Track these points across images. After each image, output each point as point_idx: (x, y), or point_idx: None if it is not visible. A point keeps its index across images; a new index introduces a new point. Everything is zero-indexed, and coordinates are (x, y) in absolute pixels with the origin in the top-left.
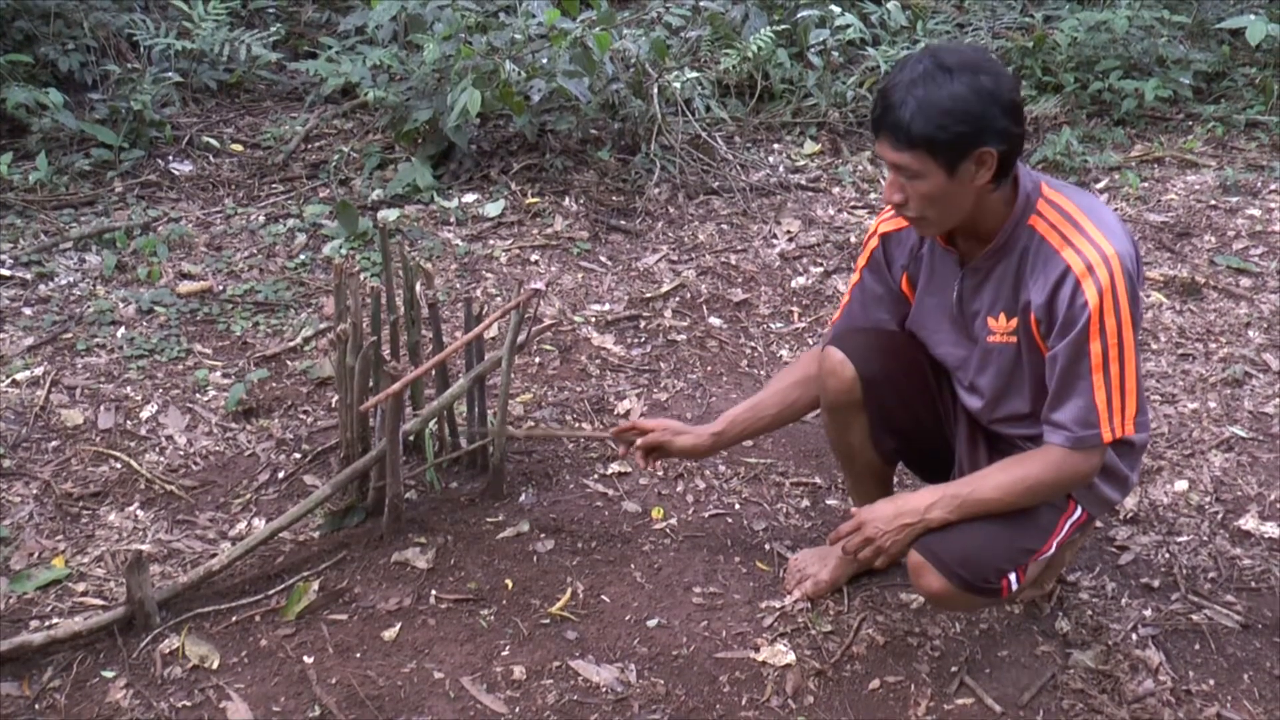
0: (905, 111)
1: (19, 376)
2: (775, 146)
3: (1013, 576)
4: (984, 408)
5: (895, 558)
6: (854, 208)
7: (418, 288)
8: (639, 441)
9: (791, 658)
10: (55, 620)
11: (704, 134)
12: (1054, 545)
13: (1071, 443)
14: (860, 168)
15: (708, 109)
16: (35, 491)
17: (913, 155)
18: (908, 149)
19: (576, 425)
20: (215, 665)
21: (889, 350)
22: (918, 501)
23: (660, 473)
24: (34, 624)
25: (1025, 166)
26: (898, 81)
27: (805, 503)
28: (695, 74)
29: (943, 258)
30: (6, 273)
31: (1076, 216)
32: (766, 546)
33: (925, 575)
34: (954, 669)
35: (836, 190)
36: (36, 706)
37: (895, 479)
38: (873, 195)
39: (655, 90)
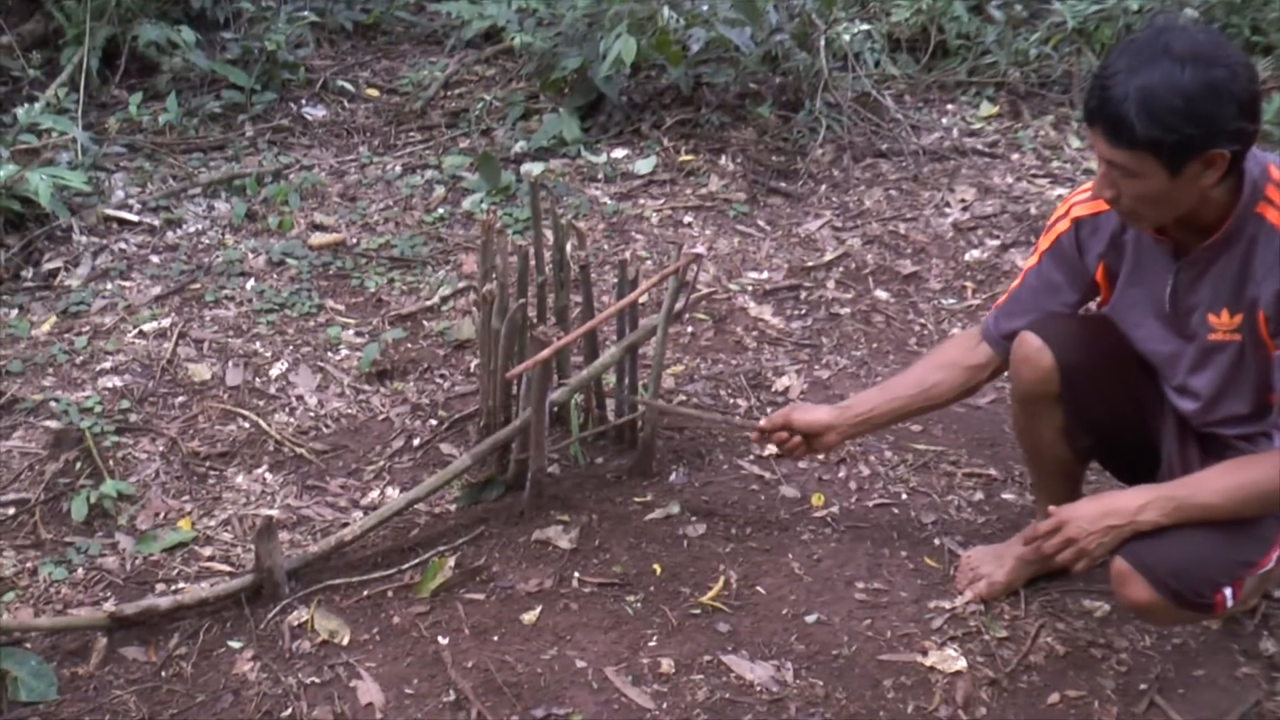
0: (1128, 107)
1: (146, 327)
2: (949, 107)
3: (1228, 591)
4: (1199, 409)
5: (1096, 562)
6: (1035, 176)
7: (568, 248)
8: (763, 422)
9: (962, 664)
10: (181, 585)
11: (873, 91)
12: (1274, 559)
13: None
14: (1042, 133)
15: (877, 64)
16: (162, 449)
17: (1132, 155)
18: (1127, 148)
19: (727, 413)
20: (345, 641)
21: (1091, 337)
22: (1127, 502)
23: (820, 456)
24: (159, 587)
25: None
26: (1118, 68)
27: (978, 496)
28: (865, 26)
29: (1152, 248)
30: (134, 218)
31: None
32: (936, 541)
33: (1131, 584)
34: (1143, 686)
35: (1016, 157)
36: (163, 674)
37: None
38: (1055, 164)
39: (822, 43)
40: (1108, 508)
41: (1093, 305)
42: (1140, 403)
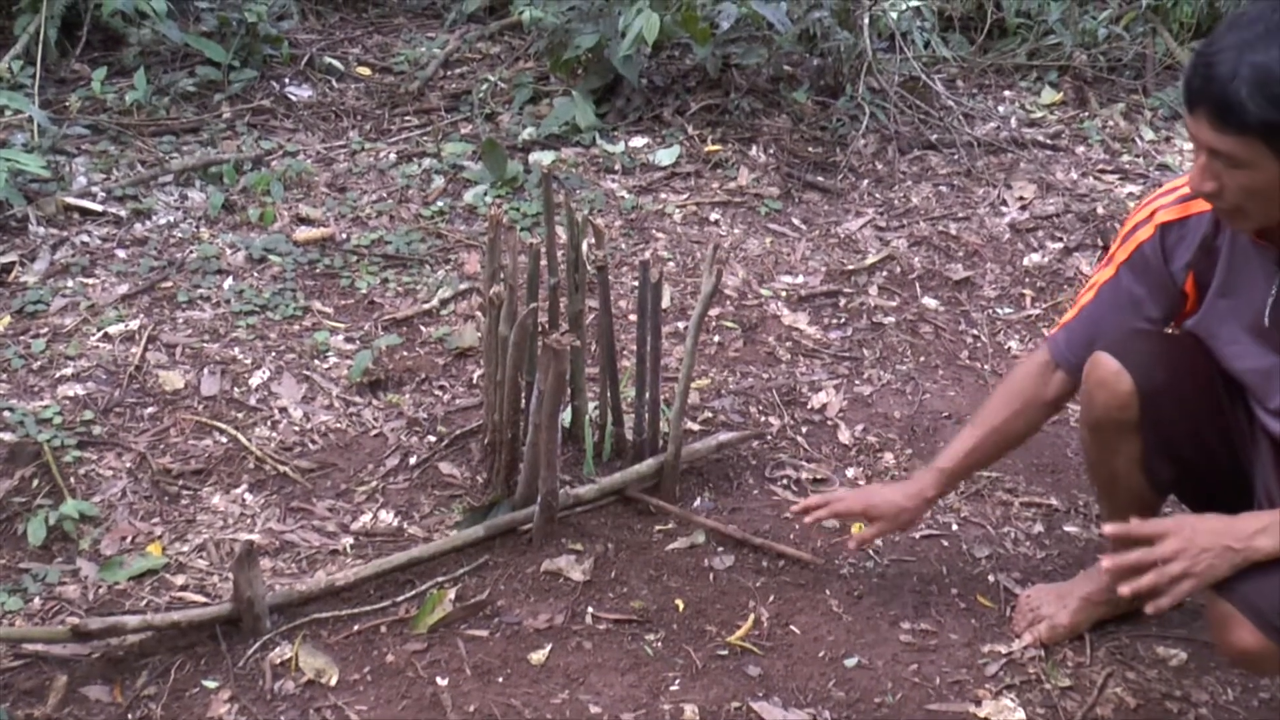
0: (1239, 87)
1: (112, 330)
2: (1007, 94)
3: None
4: None
5: (1198, 588)
6: (1103, 172)
7: (584, 246)
8: (824, 510)
9: (1021, 716)
10: (150, 616)
11: (922, 75)
12: None
13: None
14: (1111, 123)
15: (927, 45)
16: (129, 465)
17: (1241, 142)
18: (1236, 134)
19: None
20: (333, 682)
21: (1174, 358)
22: (1244, 525)
23: (862, 481)
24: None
25: None
26: (1226, 44)
27: (1038, 528)
28: (915, 2)
29: (1249, 253)
30: (98, 208)
31: None
32: (990, 578)
33: (1235, 628)
34: None
35: (1081, 150)
36: (130, 716)
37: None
38: (1125, 158)
39: (865, 20)
40: (1228, 527)
41: None
42: (1229, 430)
